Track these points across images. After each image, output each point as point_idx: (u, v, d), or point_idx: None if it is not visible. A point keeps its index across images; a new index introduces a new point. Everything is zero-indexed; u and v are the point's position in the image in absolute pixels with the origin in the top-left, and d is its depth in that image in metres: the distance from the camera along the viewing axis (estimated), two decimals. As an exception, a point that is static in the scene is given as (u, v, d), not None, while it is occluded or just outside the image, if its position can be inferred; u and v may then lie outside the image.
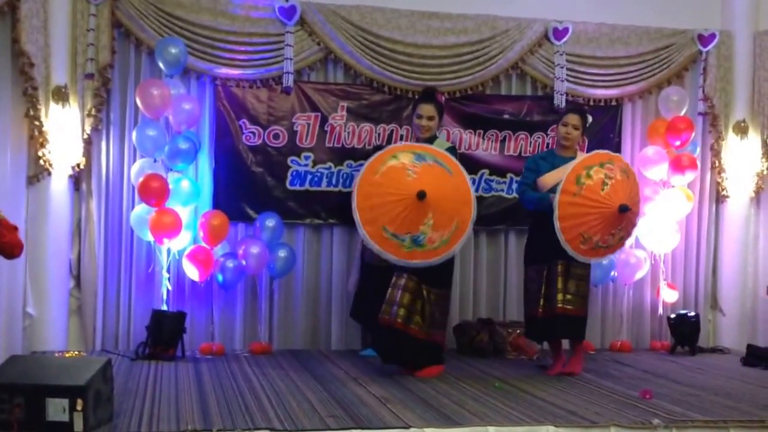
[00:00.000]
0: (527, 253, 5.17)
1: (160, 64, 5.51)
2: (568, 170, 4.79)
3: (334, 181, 5.88)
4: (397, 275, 4.81)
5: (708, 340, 6.46)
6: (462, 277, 6.16)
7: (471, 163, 6.03)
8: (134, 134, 5.49)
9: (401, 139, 5.95)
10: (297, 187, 5.86)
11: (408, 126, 5.96)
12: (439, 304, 4.89)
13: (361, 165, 5.79)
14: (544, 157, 5.17)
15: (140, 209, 5.45)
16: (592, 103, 6.27)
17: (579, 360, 5.08)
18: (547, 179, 4.96)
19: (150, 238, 5.43)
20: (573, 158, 4.98)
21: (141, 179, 5.35)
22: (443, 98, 5.47)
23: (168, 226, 5.32)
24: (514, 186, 6.11)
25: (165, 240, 5.37)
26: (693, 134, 6.18)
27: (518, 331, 5.78)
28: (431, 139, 5.05)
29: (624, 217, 4.77)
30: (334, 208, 5.83)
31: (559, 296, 4.89)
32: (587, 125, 5.20)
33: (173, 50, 5.45)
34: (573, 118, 5.05)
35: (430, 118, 5.04)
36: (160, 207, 5.35)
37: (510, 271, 6.24)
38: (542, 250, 4.97)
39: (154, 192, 5.30)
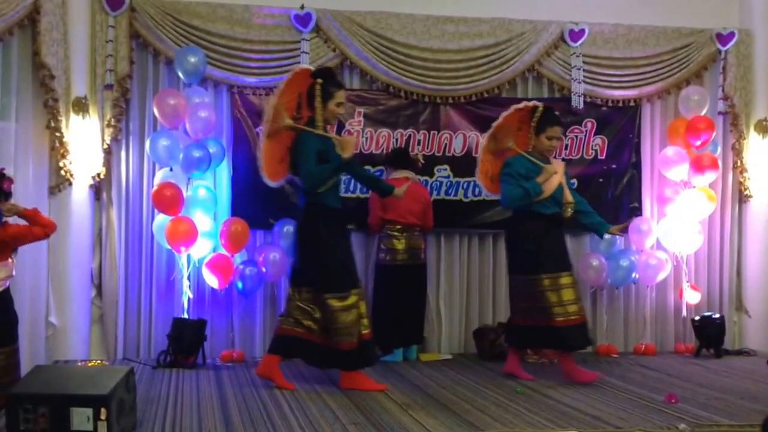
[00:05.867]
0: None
1: (180, 73, 5.54)
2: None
3: (351, 188, 5.87)
4: None
5: (733, 342, 6.37)
6: (481, 281, 6.14)
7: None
8: (147, 144, 5.53)
9: (418, 144, 5.96)
10: (315, 194, 5.86)
11: (425, 131, 5.95)
12: None
13: (380, 171, 5.85)
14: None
15: (162, 218, 5.48)
16: (610, 104, 6.23)
17: None
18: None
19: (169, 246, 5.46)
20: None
21: (155, 188, 5.40)
22: None
23: (183, 235, 5.34)
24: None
25: (182, 248, 5.39)
26: (714, 134, 6.13)
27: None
28: None
29: None
30: (352, 214, 5.80)
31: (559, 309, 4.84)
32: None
33: (192, 59, 5.48)
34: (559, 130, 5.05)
35: None
36: (175, 215, 5.38)
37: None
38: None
39: (167, 200, 5.33)
